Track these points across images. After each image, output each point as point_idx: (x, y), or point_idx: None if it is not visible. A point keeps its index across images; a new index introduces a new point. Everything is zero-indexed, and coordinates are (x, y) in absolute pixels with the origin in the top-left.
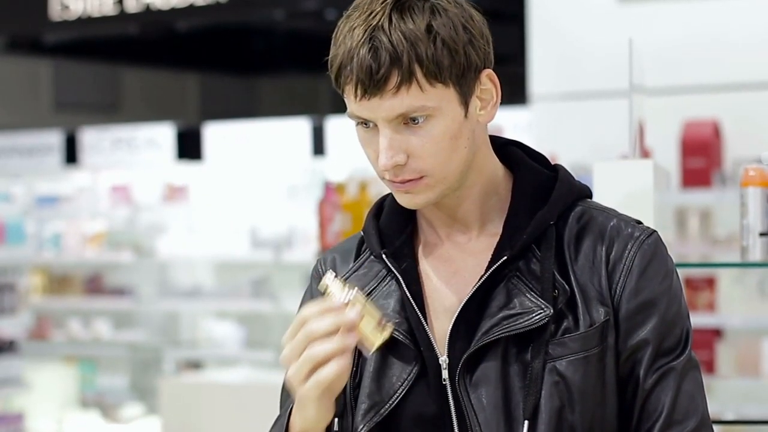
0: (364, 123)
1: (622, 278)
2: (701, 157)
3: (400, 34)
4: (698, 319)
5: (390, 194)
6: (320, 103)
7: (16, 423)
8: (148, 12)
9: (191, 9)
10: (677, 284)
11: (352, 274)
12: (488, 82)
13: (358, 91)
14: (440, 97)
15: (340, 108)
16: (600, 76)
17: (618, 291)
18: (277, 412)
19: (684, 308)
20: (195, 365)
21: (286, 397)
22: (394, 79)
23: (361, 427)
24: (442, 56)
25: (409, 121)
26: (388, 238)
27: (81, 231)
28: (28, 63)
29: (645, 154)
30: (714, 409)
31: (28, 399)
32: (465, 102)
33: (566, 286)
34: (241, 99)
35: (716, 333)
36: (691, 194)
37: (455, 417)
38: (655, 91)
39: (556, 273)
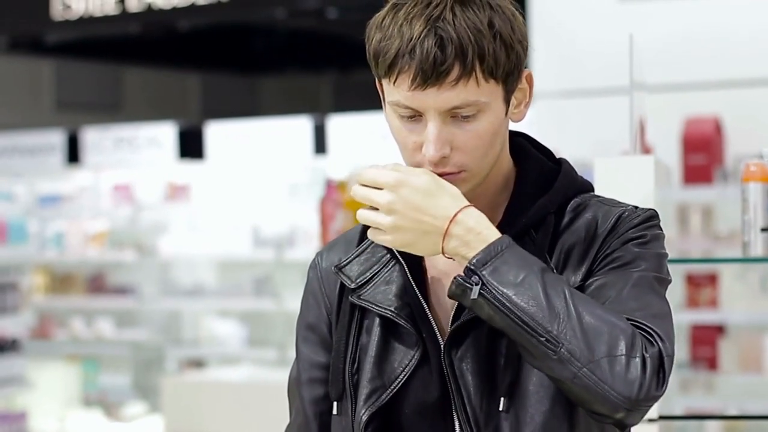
0: (408, 115)
1: (608, 242)
2: (702, 154)
3: (465, 27)
4: (700, 316)
5: None
6: (321, 102)
7: (18, 422)
8: (149, 11)
9: (193, 8)
10: (662, 259)
11: (354, 258)
12: (525, 83)
13: (417, 81)
14: (491, 94)
15: (341, 106)
16: (601, 74)
17: (601, 254)
18: (279, 411)
19: (659, 289)
20: (197, 364)
21: (294, 396)
22: (456, 72)
23: (363, 412)
24: (501, 53)
25: (457, 115)
26: None
27: (83, 230)
28: (30, 63)
29: (646, 150)
30: (717, 405)
31: (30, 398)
32: (507, 100)
33: (556, 272)
34: (243, 98)
35: (718, 329)
36: (692, 191)
37: (456, 397)
38: (656, 88)
39: (548, 257)
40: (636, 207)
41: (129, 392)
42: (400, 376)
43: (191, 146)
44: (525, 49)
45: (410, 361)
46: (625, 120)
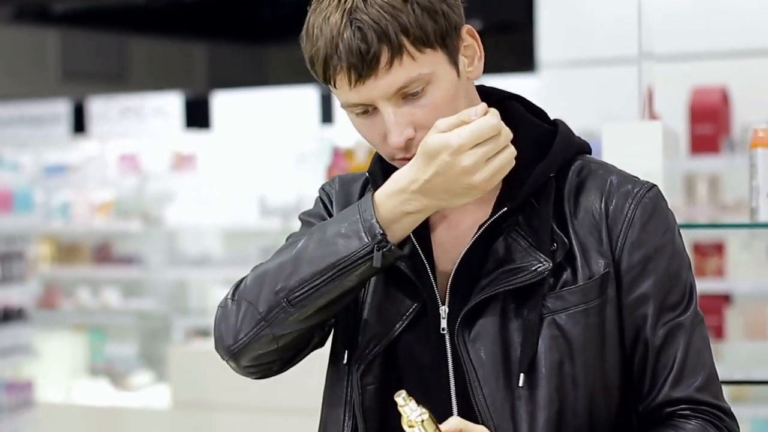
0: (362, 111)
1: (623, 232)
2: (709, 124)
3: (378, 9)
4: (707, 285)
5: None
6: None
7: (25, 391)
8: None
9: None
10: (679, 239)
11: None
12: (469, 38)
13: (352, 77)
14: (432, 63)
15: None
16: (608, 43)
17: (619, 244)
18: (286, 380)
19: (687, 262)
20: (204, 333)
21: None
22: (386, 56)
23: (359, 359)
24: (425, 21)
25: (407, 94)
26: None
27: (89, 200)
28: (36, 32)
29: (654, 119)
30: (723, 372)
31: (37, 367)
32: (454, 62)
33: (564, 239)
34: (249, 67)
35: (725, 298)
36: (699, 160)
37: (452, 369)
38: (663, 57)
39: (554, 226)
40: (637, 179)
41: (135, 362)
42: (397, 325)
43: (197, 116)
44: (454, 6)
45: (408, 312)
46: (633, 90)
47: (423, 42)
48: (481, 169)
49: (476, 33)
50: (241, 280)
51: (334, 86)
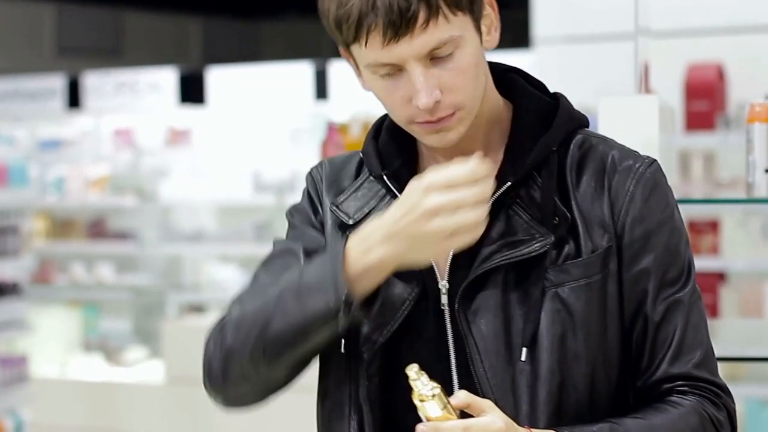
0: (386, 73)
1: (624, 207)
2: (705, 100)
3: None
4: (702, 263)
5: (387, 116)
6: (323, 47)
7: (20, 366)
8: None
9: None
10: (678, 214)
11: (351, 194)
12: (488, 7)
13: (389, 34)
14: (462, 26)
15: None
16: (603, 19)
17: (621, 219)
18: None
19: (685, 238)
20: (198, 309)
21: (275, 262)
22: (423, 14)
23: (363, 349)
24: None
25: (436, 57)
26: (388, 159)
27: (84, 175)
28: (31, 7)
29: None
30: (717, 351)
31: (31, 342)
32: (478, 28)
33: (567, 213)
34: (244, 43)
35: (720, 276)
36: (694, 137)
37: (452, 344)
38: (658, 33)
39: (557, 200)
40: (638, 154)
41: (129, 337)
42: (400, 312)
43: (192, 91)
44: None
45: (410, 297)
46: (629, 66)
47: (456, 4)
48: (444, 216)
49: (495, 4)
50: (228, 312)
51: (365, 45)
